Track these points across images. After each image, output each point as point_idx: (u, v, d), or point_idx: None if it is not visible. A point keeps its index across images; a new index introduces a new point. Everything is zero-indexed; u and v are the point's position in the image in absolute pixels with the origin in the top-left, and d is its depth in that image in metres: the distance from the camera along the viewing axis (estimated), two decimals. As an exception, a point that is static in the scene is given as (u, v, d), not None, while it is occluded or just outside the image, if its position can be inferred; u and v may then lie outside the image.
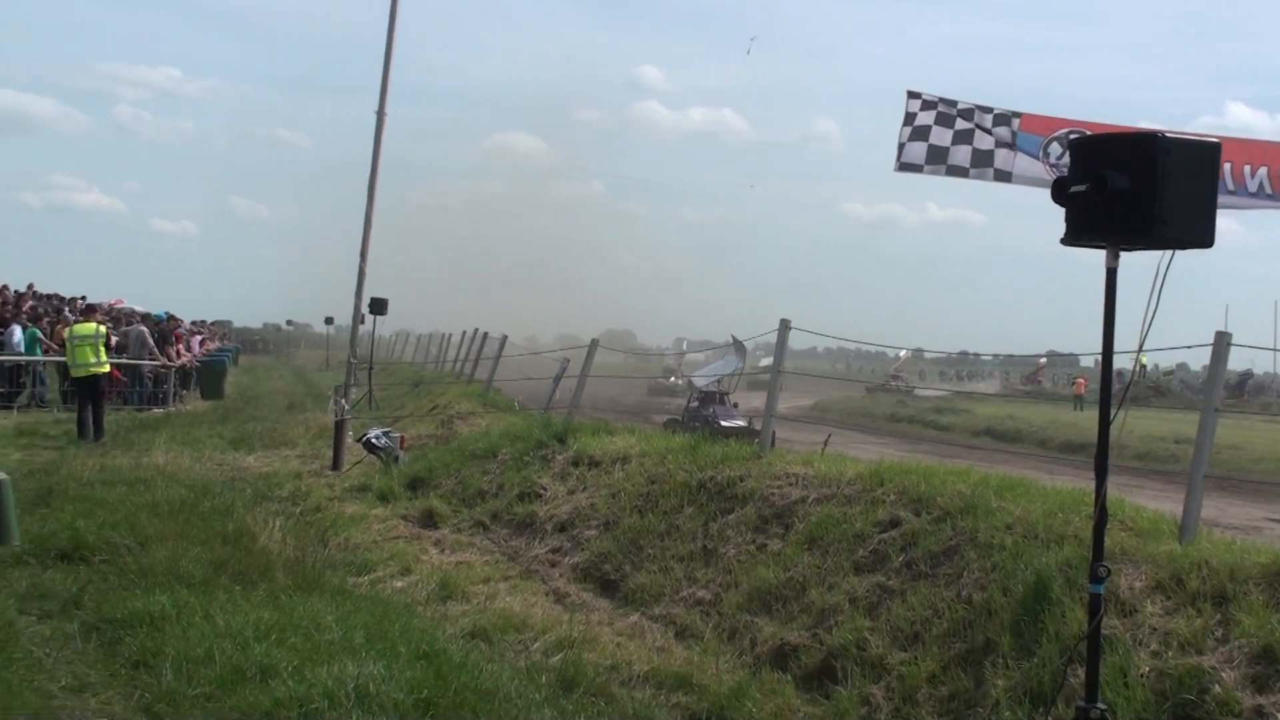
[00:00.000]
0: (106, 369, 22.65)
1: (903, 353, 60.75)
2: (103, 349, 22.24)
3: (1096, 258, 6.02)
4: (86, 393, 22.08)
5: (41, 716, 6.76)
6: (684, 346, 54.79)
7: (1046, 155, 10.77)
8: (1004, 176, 10.96)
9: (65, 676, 7.44)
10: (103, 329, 22.63)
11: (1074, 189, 5.79)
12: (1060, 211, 5.95)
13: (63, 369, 26.32)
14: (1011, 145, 10.85)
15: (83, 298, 36.96)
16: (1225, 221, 5.88)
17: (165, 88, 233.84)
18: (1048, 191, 5.96)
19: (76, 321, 24.07)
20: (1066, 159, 10.55)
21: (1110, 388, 6.09)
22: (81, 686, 7.35)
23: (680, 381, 43.25)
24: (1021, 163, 10.89)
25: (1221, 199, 8.77)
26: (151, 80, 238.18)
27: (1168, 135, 5.69)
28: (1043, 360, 66.86)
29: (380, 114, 20.73)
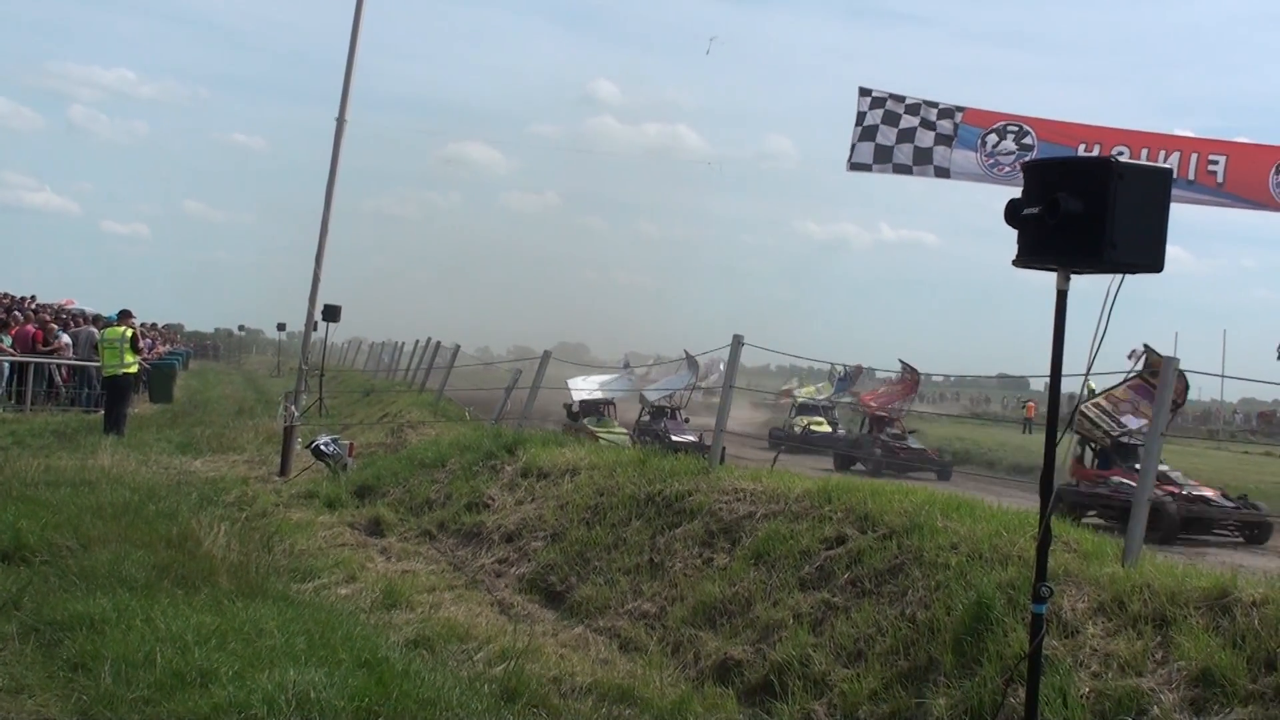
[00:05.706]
0: (132, 370, 23.94)
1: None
2: (127, 352, 23.26)
3: (1048, 281, 6.06)
4: (113, 392, 23.38)
5: (-25, 718, 6.67)
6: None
7: (984, 145, 11.07)
8: (943, 173, 11.34)
9: (1, 678, 7.32)
10: (129, 332, 23.67)
11: (1027, 211, 5.83)
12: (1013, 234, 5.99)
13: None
14: (951, 141, 11.18)
15: (32, 297, 36.62)
16: (1174, 249, 5.92)
17: (119, 89, 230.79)
18: (1000, 213, 6.00)
19: (107, 326, 25.11)
20: (1002, 147, 10.89)
21: (1058, 410, 6.14)
22: (18, 688, 7.23)
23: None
24: (958, 158, 11.24)
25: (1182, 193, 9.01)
26: (105, 81, 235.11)
27: (1121, 160, 5.75)
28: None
29: (340, 121, 20.63)
